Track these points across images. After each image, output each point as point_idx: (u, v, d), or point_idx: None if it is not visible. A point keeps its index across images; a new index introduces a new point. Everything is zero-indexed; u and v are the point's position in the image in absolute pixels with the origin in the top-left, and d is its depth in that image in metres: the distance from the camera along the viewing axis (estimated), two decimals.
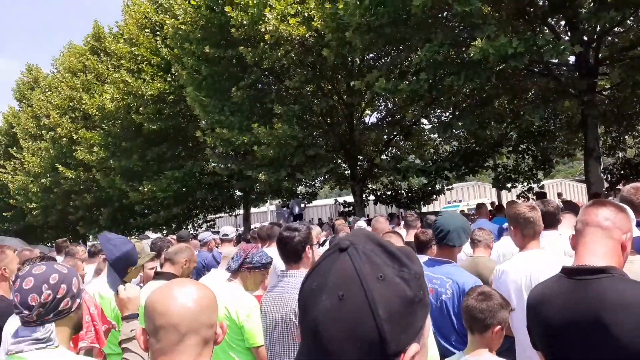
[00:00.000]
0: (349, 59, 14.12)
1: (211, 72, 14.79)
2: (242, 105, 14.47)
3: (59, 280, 1.80)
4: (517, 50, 8.41)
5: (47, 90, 27.24)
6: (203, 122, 15.39)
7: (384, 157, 17.08)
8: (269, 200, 24.80)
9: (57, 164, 23.26)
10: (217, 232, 9.10)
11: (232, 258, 3.60)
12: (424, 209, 18.56)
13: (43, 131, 25.40)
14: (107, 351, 3.66)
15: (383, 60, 14.64)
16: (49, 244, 26.96)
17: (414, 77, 11.11)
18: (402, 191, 18.28)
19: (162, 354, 1.28)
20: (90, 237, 28.32)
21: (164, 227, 21.77)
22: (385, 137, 17.12)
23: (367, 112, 17.77)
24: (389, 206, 19.27)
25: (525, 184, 15.55)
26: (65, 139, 23.31)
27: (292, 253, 2.92)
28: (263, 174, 14.19)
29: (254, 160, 14.93)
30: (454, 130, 13.99)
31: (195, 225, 22.83)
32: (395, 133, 17.04)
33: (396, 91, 10.67)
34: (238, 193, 20.88)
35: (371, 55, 14.62)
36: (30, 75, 33.51)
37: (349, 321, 0.74)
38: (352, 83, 12.28)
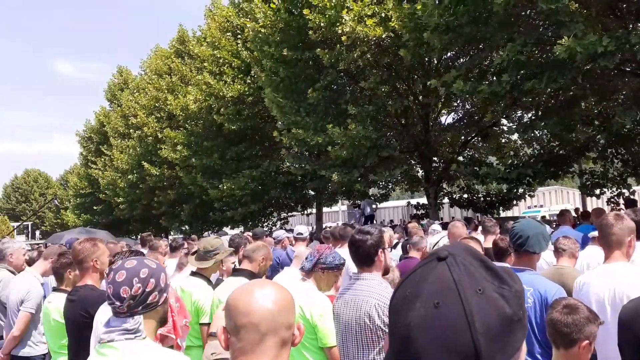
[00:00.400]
0: (426, 58, 13.89)
1: (288, 74, 15.09)
2: (317, 106, 14.66)
3: (148, 275, 1.91)
4: (607, 49, 7.89)
5: (135, 91, 28.89)
6: (280, 122, 15.73)
7: (461, 158, 16.64)
8: (340, 200, 24.93)
9: (143, 161, 24.63)
10: (291, 231, 9.29)
11: (306, 258, 3.65)
12: (502, 214, 17.88)
13: (131, 130, 26.97)
14: (187, 343, 3.83)
15: (462, 60, 14.27)
16: (134, 237, 28.59)
17: (494, 78, 10.75)
18: (480, 195, 17.71)
19: (242, 353, 1.32)
20: (172, 231, 29.72)
21: (241, 224, 22.48)
22: (462, 138, 16.68)
23: (444, 112, 17.40)
24: (465, 210, 18.72)
25: (615, 189, 14.58)
26: (150, 137, 24.64)
27: (364, 256, 2.92)
28: (336, 174, 14.28)
29: (327, 160, 15.07)
30: (535, 132, 13.36)
31: (269, 223, 23.37)
32: (473, 134, 16.57)
33: (475, 92, 10.37)
34: (311, 192, 21.16)
35: (449, 54, 14.30)
36: (121, 76, 35.71)
37: (443, 330, 0.72)
38: (428, 82, 12.07)
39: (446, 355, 0.71)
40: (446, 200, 18.32)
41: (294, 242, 7.76)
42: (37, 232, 56.05)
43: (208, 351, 2.28)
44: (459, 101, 16.68)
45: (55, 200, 39.06)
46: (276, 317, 1.34)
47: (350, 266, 5.81)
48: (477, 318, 0.72)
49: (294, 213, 23.36)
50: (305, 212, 22.73)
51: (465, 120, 16.79)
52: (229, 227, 23.89)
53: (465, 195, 17.82)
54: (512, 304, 0.75)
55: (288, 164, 18.38)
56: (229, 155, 19.98)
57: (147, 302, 1.90)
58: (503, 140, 17.25)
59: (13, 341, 4.45)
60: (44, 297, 4.73)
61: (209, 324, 3.85)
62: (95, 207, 34.47)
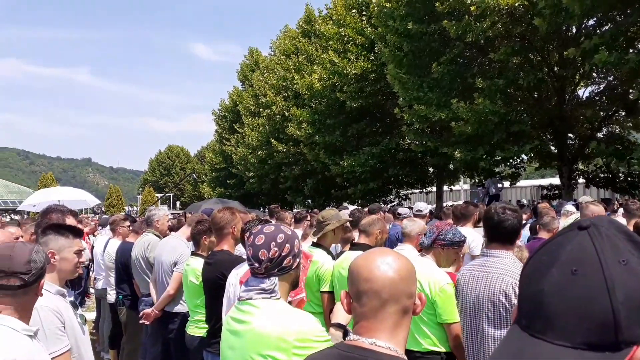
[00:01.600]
0: (564, 27, 12.82)
1: (412, 48, 14.85)
2: (442, 80, 14.27)
3: (284, 240, 2.07)
4: None
5: (265, 71, 30.18)
6: (401, 99, 15.59)
7: (600, 135, 15.22)
8: (462, 179, 24.16)
9: (271, 139, 25.84)
10: (411, 208, 9.26)
11: (425, 234, 3.66)
12: None
13: (261, 109, 28.34)
14: (309, 310, 4.05)
15: (605, 27, 12.95)
16: (262, 210, 30.24)
17: None
18: (621, 174, 16.08)
19: (364, 317, 1.38)
20: (296, 205, 30.96)
21: (361, 200, 22.78)
22: (602, 113, 15.22)
23: (582, 85, 15.96)
24: (603, 190, 17.19)
25: None
26: (278, 116, 25.73)
27: (506, 234, 2.85)
28: (459, 151, 13.86)
29: (450, 137, 14.66)
30: None
31: (388, 200, 23.40)
32: (614, 109, 15.02)
33: (620, 64, 9.38)
34: (431, 170, 20.76)
35: (591, 22, 13.05)
36: (252, 58, 37.48)
37: (579, 297, 0.70)
38: (565, 52, 11.14)
39: (581, 322, 0.68)
40: (581, 180, 16.93)
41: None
42: (178, 203, 61.35)
43: (332, 339, 2.43)
44: (600, 73, 15.20)
45: (194, 174, 42.28)
46: (397, 284, 1.37)
47: (472, 245, 5.72)
48: (618, 287, 0.68)
49: (414, 191, 23.13)
50: (425, 190, 22.39)
51: (606, 94, 15.28)
52: (349, 203, 24.33)
53: (603, 175, 16.31)
54: None
55: (408, 141, 18.19)
56: (350, 132, 20.29)
57: (282, 265, 2.07)
58: None
59: (167, 299, 4.91)
60: None
61: (329, 292, 4.03)
62: (228, 181, 36.80)
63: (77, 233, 2.77)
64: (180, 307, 4.94)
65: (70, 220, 3.44)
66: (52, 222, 3.17)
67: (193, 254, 4.51)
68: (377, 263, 1.40)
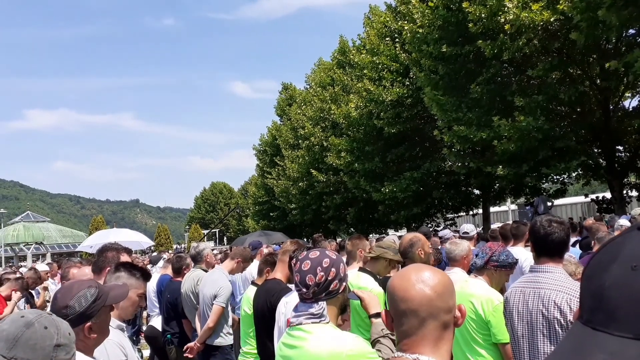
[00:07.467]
0: (603, 38, 12.56)
1: (448, 70, 14.84)
2: (481, 100, 14.15)
3: (330, 265, 2.11)
4: None
5: (302, 104, 30.72)
6: (440, 121, 15.50)
7: None
8: (509, 199, 23.62)
9: (311, 169, 26.08)
10: (458, 231, 9.10)
11: (477, 255, 3.62)
12: None
13: (300, 141, 28.74)
14: (360, 336, 4.01)
15: None
16: (306, 240, 30.27)
17: None
18: None
19: (405, 336, 1.39)
20: (340, 233, 30.87)
21: (404, 226, 22.52)
22: None
23: (627, 95, 15.49)
24: None
25: None
26: (317, 146, 26.00)
27: (554, 248, 2.77)
28: (502, 168, 13.60)
29: (493, 156, 14.43)
30: None
31: (433, 224, 23.06)
32: None
33: None
34: (476, 192, 20.38)
35: (631, 31, 12.74)
36: (286, 92, 38.27)
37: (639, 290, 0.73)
38: (607, 65, 10.88)
39: None
40: (634, 192, 16.25)
41: None
42: (225, 238, 62.18)
43: (377, 327, 2.43)
44: None
45: (238, 209, 42.74)
46: (435, 302, 1.37)
47: (524, 265, 5.56)
48: None
49: (460, 214, 22.75)
50: (471, 212, 21.96)
51: None
52: (393, 229, 24.07)
53: None
54: None
55: (450, 163, 17.98)
56: (389, 158, 20.25)
57: (329, 289, 2.09)
58: None
59: (208, 332, 4.95)
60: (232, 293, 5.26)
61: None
62: (271, 214, 37.16)
63: (146, 276, 2.85)
64: (221, 340, 4.96)
65: (124, 258, 3.58)
66: (124, 261, 3.21)
67: (253, 283, 4.56)
68: (413, 282, 1.40)
